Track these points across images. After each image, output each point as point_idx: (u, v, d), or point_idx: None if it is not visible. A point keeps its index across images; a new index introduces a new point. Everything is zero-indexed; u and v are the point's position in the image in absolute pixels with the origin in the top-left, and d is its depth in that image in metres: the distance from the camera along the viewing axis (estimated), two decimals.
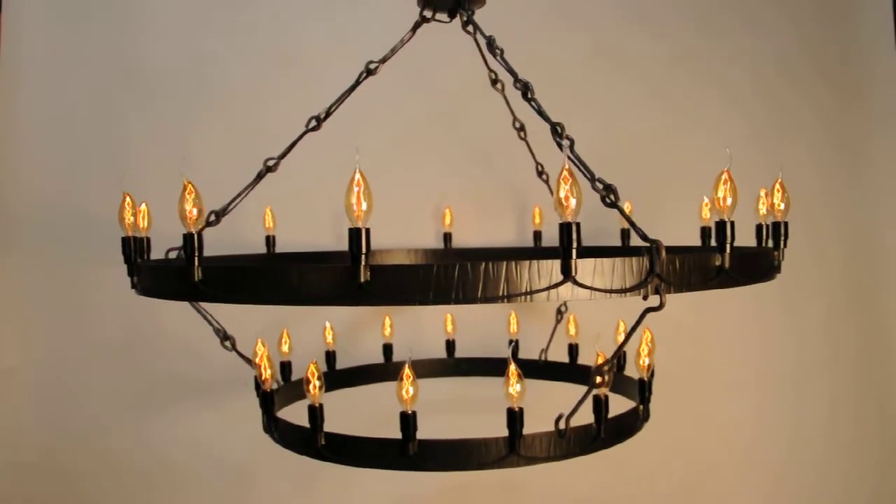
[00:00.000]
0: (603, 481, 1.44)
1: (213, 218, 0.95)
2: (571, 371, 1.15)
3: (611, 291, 0.61)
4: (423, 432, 0.74)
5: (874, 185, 1.54)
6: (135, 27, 1.37)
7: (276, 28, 1.40)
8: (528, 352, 1.23)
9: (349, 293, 0.59)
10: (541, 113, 0.79)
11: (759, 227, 0.81)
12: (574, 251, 0.59)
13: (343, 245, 1.33)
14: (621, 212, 0.68)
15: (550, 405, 1.20)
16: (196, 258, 0.66)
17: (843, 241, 1.53)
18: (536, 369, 1.18)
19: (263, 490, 1.40)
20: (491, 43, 0.88)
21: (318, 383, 0.78)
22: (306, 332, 1.11)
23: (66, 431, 1.36)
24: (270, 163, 0.96)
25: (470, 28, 0.98)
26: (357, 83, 0.96)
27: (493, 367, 1.21)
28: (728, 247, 0.67)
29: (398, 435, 0.74)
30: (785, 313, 1.50)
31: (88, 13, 1.36)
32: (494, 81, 1.08)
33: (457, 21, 0.98)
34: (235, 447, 1.37)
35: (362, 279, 0.59)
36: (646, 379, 0.88)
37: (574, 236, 0.59)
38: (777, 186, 0.80)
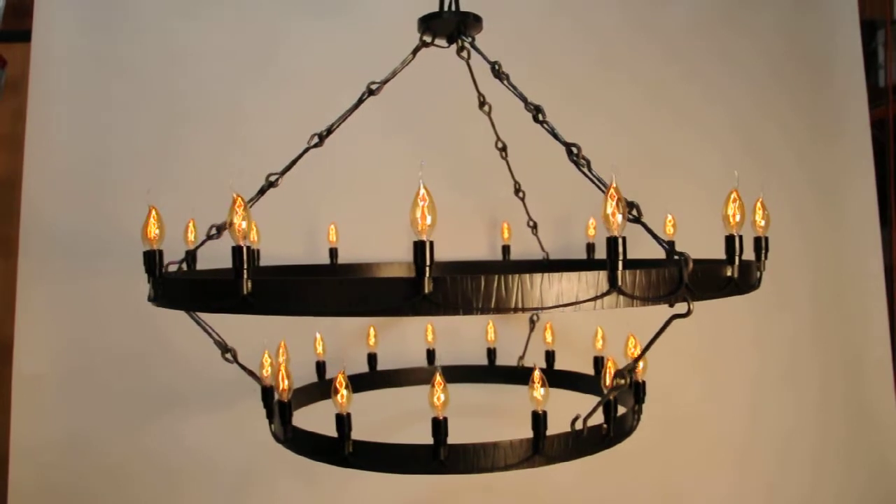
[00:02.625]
0: (593, 487, 1.48)
1: (213, 231, 0.96)
2: (549, 376, 1.20)
3: (649, 300, 0.67)
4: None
5: (851, 197, 1.67)
6: (159, 51, 1.47)
7: (275, 44, 1.47)
8: (505, 359, 1.28)
9: (413, 303, 0.62)
10: (554, 135, 0.84)
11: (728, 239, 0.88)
12: (620, 263, 0.65)
13: (315, 259, 1.36)
14: (645, 227, 0.74)
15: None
16: (245, 271, 0.67)
17: (832, 249, 1.64)
18: (515, 375, 1.24)
19: (264, 495, 1.44)
20: (496, 68, 0.92)
21: (346, 392, 0.80)
22: (292, 345, 1.12)
23: (85, 435, 1.42)
24: (273, 178, 0.98)
25: (464, 54, 1.03)
26: (360, 102, 0.99)
27: (472, 375, 1.25)
28: (738, 259, 0.75)
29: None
30: (776, 317, 1.58)
31: (115, 40, 1.46)
32: (482, 104, 1.13)
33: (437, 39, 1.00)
34: (238, 454, 1.44)
35: (427, 290, 0.62)
36: (640, 381, 0.95)
37: (620, 249, 0.65)
38: (758, 205, 0.89)
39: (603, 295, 0.65)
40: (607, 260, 0.65)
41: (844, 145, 1.66)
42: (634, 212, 0.75)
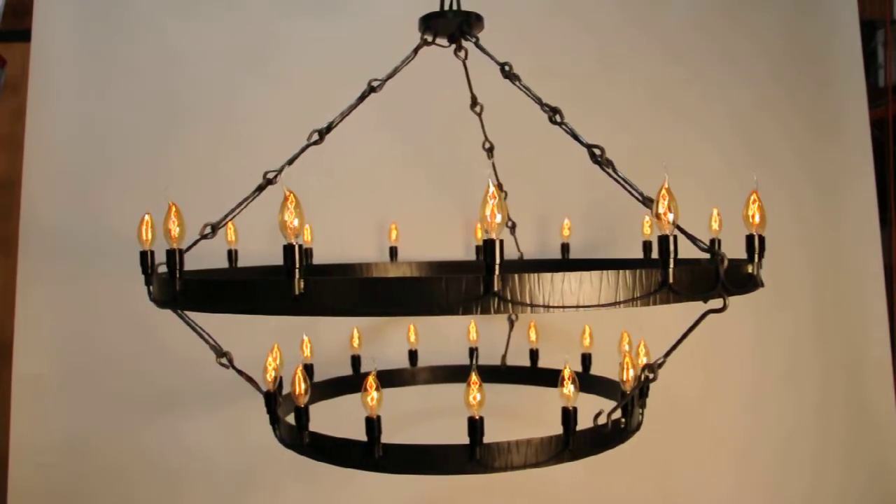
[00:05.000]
0: (593, 486, 1.48)
1: (208, 231, 0.92)
2: (533, 375, 1.23)
3: (694, 297, 0.70)
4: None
5: (850, 197, 1.66)
6: (158, 50, 1.47)
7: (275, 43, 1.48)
8: (486, 358, 1.29)
9: (483, 301, 0.62)
10: (574, 136, 0.86)
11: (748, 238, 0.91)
12: (672, 261, 0.67)
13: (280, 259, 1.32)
14: (679, 228, 0.77)
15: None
16: (297, 270, 0.65)
17: (831, 247, 1.64)
18: (499, 375, 1.25)
19: (263, 495, 1.46)
20: (506, 69, 0.93)
21: (376, 394, 0.78)
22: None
23: (85, 435, 1.43)
24: (270, 175, 0.95)
25: (461, 54, 1.04)
26: (362, 98, 0.98)
27: (456, 375, 1.25)
28: (756, 257, 0.79)
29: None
30: (776, 317, 1.58)
31: (114, 40, 1.46)
32: (474, 104, 1.13)
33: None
34: (238, 454, 1.45)
35: (496, 288, 0.62)
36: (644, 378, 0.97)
37: (671, 248, 0.68)
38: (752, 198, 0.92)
39: (656, 291, 0.67)
40: (660, 258, 0.67)
41: (844, 145, 1.66)
42: None
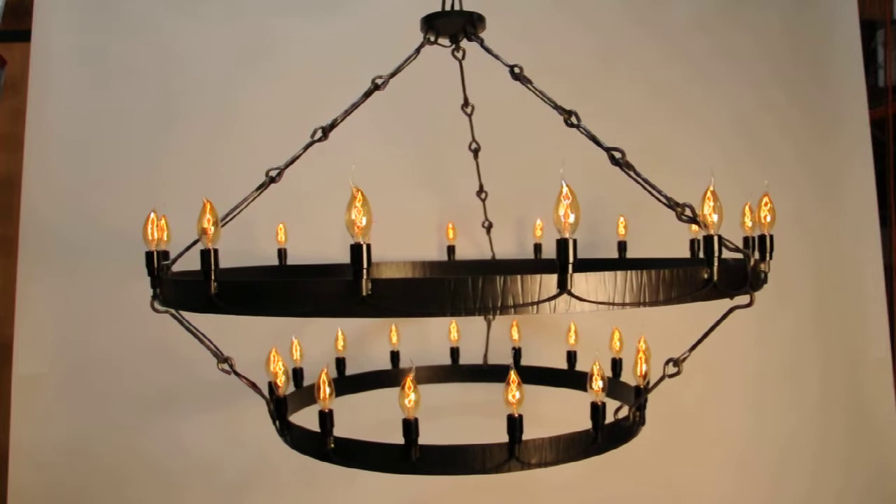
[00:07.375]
0: (594, 486, 1.47)
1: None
2: (518, 373, 1.24)
3: (730, 294, 0.74)
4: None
5: (850, 197, 1.65)
6: (157, 50, 1.47)
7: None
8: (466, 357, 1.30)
9: (557, 300, 0.63)
10: (593, 139, 0.88)
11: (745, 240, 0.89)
12: (716, 259, 0.71)
13: (254, 258, 1.27)
14: (702, 227, 0.80)
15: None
16: (365, 271, 0.63)
17: (830, 245, 1.63)
18: (482, 374, 1.26)
19: (263, 495, 1.46)
20: (516, 71, 0.93)
21: (414, 396, 0.77)
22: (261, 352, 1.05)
23: (84, 435, 1.44)
24: (273, 173, 0.92)
25: (459, 54, 1.04)
26: (366, 96, 0.96)
27: (438, 375, 1.25)
28: (769, 257, 0.85)
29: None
30: (776, 317, 1.56)
31: (114, 40, 1.47)
32: (465, 104, 1.13)
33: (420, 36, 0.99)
34: (237, 454, 1.45)
35: (569, 286, 0.63)
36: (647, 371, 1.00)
37: (716, 248, 0.71)
38: (747, 208, 0.97)
39: (703, 288, 0.70)
40: (705, 257, 0.71)
41: (844, 145, 1.64)
42: (689, 212, 0.81)
